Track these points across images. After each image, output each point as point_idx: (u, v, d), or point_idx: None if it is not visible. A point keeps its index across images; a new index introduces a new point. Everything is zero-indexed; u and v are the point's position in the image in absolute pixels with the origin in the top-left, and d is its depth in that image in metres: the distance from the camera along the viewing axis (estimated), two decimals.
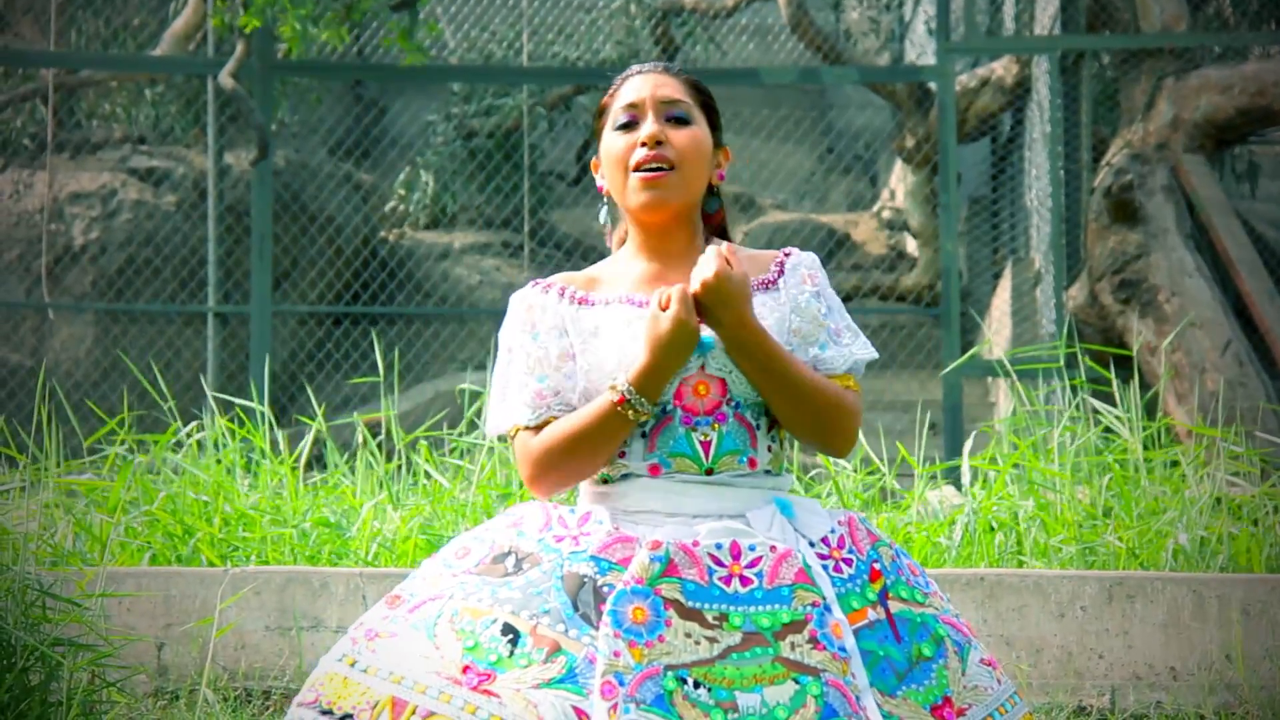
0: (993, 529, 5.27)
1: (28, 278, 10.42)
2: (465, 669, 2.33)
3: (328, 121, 12.50)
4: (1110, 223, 8.84)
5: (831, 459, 5.63)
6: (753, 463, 2.53)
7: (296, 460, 5.70)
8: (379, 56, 11.69)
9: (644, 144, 2.59)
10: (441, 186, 11.98)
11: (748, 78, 10.24)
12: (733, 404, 2.53)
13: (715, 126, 2.68)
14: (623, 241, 2.71)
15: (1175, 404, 8.25)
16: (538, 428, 2.54)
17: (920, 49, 11.90)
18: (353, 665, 2.39)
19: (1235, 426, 6.02)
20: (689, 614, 2.35)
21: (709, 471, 2.51)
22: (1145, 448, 5.70)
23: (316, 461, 7.07)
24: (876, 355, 2.65)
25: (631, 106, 2.63)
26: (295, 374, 10.19)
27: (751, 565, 2.40)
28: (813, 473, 6.54)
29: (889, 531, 5.18)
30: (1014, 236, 10.70)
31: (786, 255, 2.67)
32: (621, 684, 2.28)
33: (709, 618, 2.36)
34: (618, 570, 2.39)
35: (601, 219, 2.71)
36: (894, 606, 2.48)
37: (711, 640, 2.34)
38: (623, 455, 2.53)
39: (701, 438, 2.51)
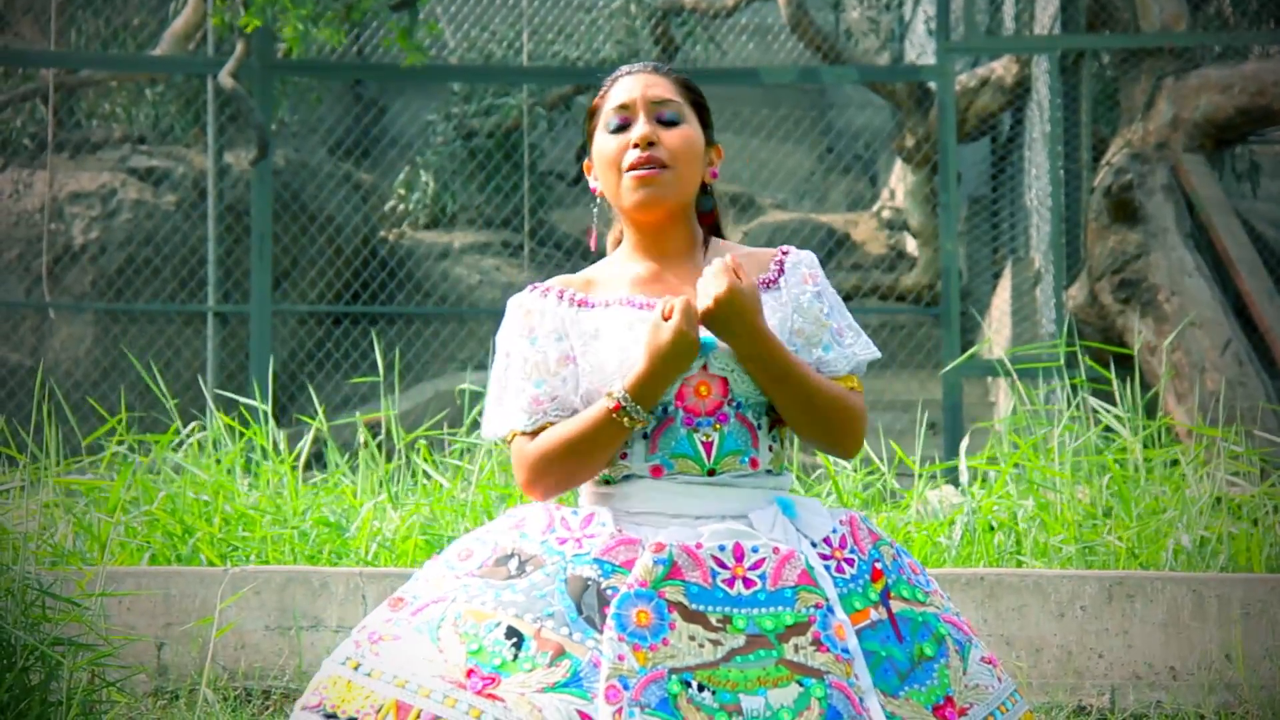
0: (992, 529, 5.27)
1: (28, 277, 10.42)
2: (469, 672, 2.33)
3: (327, 121, 12.50)
4: (1110, 222, 8.84)
5: (832, 459, 5.63)
6: (754, 463, 2.53)
7: (296, 460, 5.70)
8: (379, 56, 11.69)
9: (636, 145, 2.59)
10: (441, 186, 11.98)
11: (747, 77, 10.24)
12: (734, 404, 2.53)
13: (706, 124, 2.67)
14: (618, 243, 2.71)
15: (1175, 403, 8.25)
16: (534, 433, 2.54)
17: (920, 49, 11.90)
18: (356, 668, 2.39)
19: (1235, 426, 6.02)
20: (693, 617, 2.35)
21: (711, 472, 2.51)
22: (1145, 447, 5.70)
23: (316, 461, 7.07)
24: (879, 354, 2.65)
25: (623, 108, 2.62)
26: (295, 374, 10.19)
27: (755, 567, 2.40)
28: (815, 474, 6.54)
29: (889, 531, 5.18)
30: (1014, 236, 10.70)
31: (785, 254, 2.67)
32: (626, 688, 2.28)
33: (713, 620, 2.35)
34: (621, 573, 2.39)
35: (600, 223, 2.71)
36: (896, 606, 2.47)
37: (715, 643, 2.34)
38: (624, 456, 2.53)
39: (703, 438, 2.51)
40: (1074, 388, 6.06)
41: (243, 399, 6.23)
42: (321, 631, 4.76)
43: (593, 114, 2.67)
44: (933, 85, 10.13)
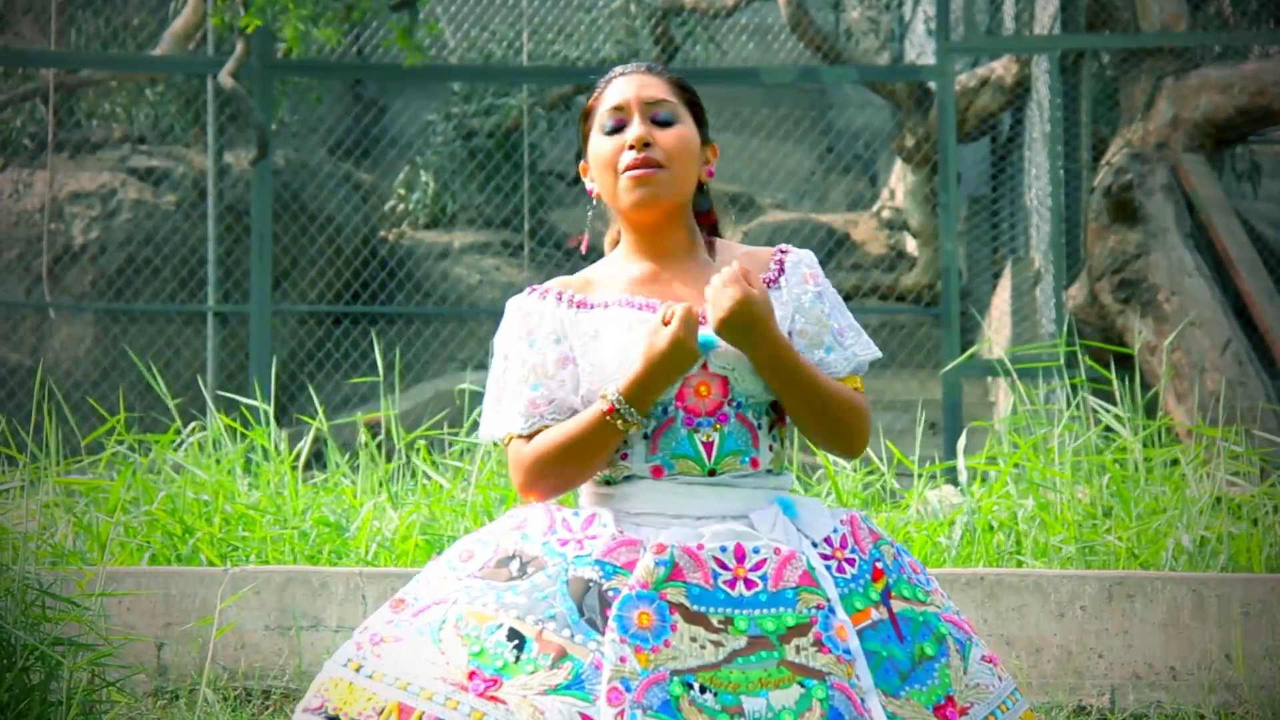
0: (992, 529, 5.27)
1: (28, 277, 10.42)
2: (471, 675, 2.33)
3: (327, 121, 12.50)
4: (1110, 222, 8.84)
5: (832, 459, 5.63)
6: (755, 463, 2.53)
7: (296, 460, 5.70)
8: (379, 56, 11.69)
9: (632, 146, 2.58)
10: (441, 186, 11.98)
11: (747, 77, 10.24)
12: (734, 404, 2.53)
13: (701, 123, 2.67)
14: (615, 243, 2.71)
15: (1175, 403, 8.25)
16: (530, 436, 2.54)
17: (920, 49, 11.90)
18: (358, 670, 2.39)
19: (1235, 426, 6.01)
20: (694, 618, 2.35)
21: (712, 472, 2.51)
22: (1145, 447, 5.70)
23: (316, 461, 7.06)
24: (880, 354, 2.65)
25: (617, 110, 2.62)
26: (295, 373, 10.19)
27: (756, 568, 2.40)
28: (816, 475, 6.54)
29: (889, 531, 5.18)
30: (1014, 236, 10.70)
31: (784, 253, 2.66)
32: (628, 690, 2.28)
33: (714, 621, 2.35)
34: (623, 574, 2.39)
35: (591, 230, 2.71)
36: (896, 606, 2.47)
37: (717, 644, 2.34)
38: (625, 457, 2.53)
39: (704, 439, 2.51)
40: (1074, 387, 6.06)
41: (245, 399, 6.22)
42: (321, 631, 4.76)
43: (587, 116, 2.67)
44: (933, 85, 10.13)
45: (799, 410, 2.53)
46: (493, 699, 2.30)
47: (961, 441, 5.97)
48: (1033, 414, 6.08)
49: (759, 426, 2.54)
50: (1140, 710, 4.61)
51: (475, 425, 5.98)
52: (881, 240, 12.24)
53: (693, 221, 2.67)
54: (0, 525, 4.34)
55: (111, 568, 4.71)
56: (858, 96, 13.02)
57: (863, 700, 2.35)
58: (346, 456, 6.07)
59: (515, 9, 12.07)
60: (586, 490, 2.58)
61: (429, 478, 5.83)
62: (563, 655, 2.33)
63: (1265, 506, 5.28)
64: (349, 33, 11.15)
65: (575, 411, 2.53)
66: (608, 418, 2.47)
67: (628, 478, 2.53)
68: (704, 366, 2.52)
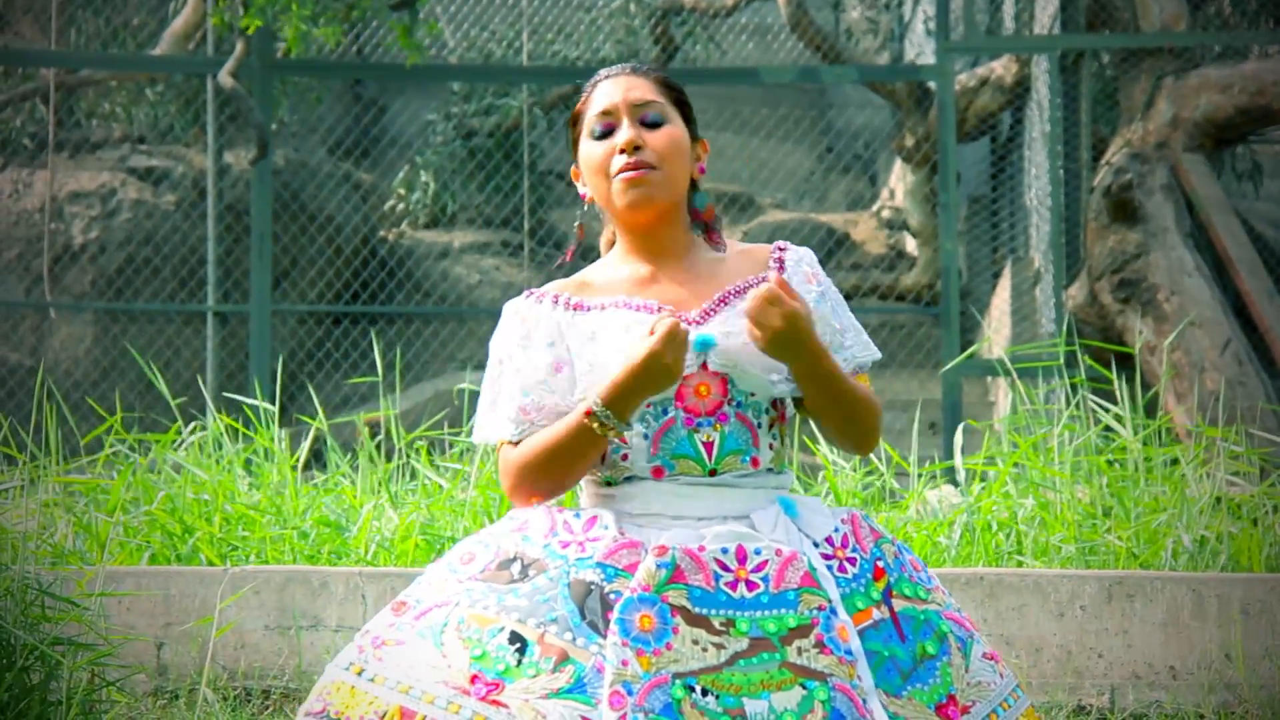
0: (992, 528, 5.27)
1: (27, 277, 10.42)
2: (473, 678, 2.32)
3: (327, 121, 12.50)
4: (1110, 222, 8.84)
5: (831, 459, 5.64)
6: (755, 462, 2.53)
7: (296, 460, 5.70)
8: (379, 56, 11.69)
9: (623, 150, 2.57)
10: (441, 186, 11.98)
11: (747, 77, 10.24)
12: (734, 403, 2.53)
13: (689, 120, 2.66)
14: (611, 244, 2.70)
15: (1175, 403, 8.25)
16: (520, 441, 2.54)
17: (920, 48, 11.90)
18: (360, 674, 2.38)
19: (1235, 426, 6.01)
20: (696, 620, 2.35)
21: (712, 472, 2.51)
22: (1145, 447, 5.70)
23: (316, 461, 7.06)
24: (879, 355, 2.65)
25: (605, 114, 2.61)
26: (295, 373, 10.19)
27: (757, 569, 2.39)
28: (819, 475, 6.54)
29: (889, 531, 5.18)
30: (1013, 236, 10.70)
31: (783, 250, 2.66)
32: (630, 693, 2.27)
33: (716, 624, 2.35)
34: (624, 577, 2.38)
35: (575, 241, 2.70)
36: (898, 605, 2.47)
37: (719, 646, 2.33)
38: (626, 458, 2.52)
39: (704, 439, 2.51)
40: (1074, 387, 6.06)
41: (247, 399, 6.22)
42: (321, 631, 4.76)
43: (575, 121, 2.66)
44: (932, 85, 10.12)
45: (828, 412, 2.53)
46: (495, 703, 2.30)
47: (958, 439, 5.96)
48: (1032, 414, 6.08)
49: (759, 425, 2.54)
50: (1140, 710, 4.61)
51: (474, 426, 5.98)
52: (881, 240, 12.24)
53: (688, 219, 2.66)
54: (0, 525, 4.34)
55: (111, 568, 4.71)
56: (857, 96, 13.02)
57: (864, 701, 2.35)
58: (347, 457, 6.07)
59: (515, 9, 12.07)
60: (588, 491, 2.58)
61: (429, 478, 5.83)
62: (564, 658, 2.32)
63: (1265, 506, 5.28)
64: (349, 32, 11.16)
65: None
66: (585, 420, 2.46)
67: (629, 479, 2.52)
68: (704, 366, 2.52)
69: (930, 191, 10.71)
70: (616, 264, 2.65)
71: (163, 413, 7.38)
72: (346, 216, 11.21)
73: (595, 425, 2.46)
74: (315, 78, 11.69)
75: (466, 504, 5.41)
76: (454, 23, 12.19)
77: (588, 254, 2.76)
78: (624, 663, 2.29)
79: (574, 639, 2.34)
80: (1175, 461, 5.76)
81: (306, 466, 6.09)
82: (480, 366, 2.69)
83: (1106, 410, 5.79)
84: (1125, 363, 7.58)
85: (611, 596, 2.37)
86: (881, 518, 5.32)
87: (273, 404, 6.06)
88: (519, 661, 2.32)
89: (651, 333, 2.44)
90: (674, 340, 2.43)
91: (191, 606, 4.76)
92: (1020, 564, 5.12)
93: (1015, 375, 6.38)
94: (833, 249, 11.85)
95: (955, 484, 6.20)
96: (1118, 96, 9.61)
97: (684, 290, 2.58)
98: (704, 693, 2.30)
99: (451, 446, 6.09)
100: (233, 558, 5.14)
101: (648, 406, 2.51)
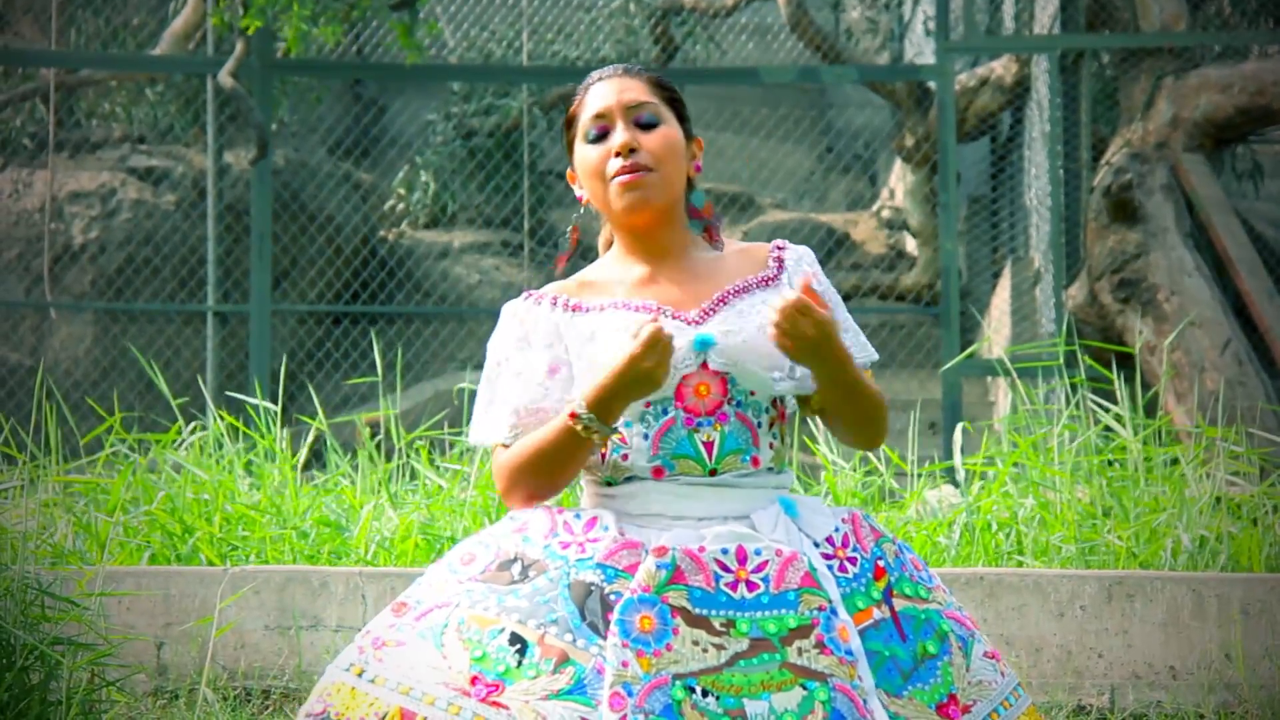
0: (992, 528, 5.27)
1: (27, 277, 10.42)
2: (474, 680, 2.32)
3: (327, 121, 12.50)
4: (1110, 222, 8.84)
5: (831, 459, 5.64)
6: (755, 461, 2.53)
7: (296, 460, 5.70)
8: (379, 56, 11.69)
9: (618, 153, 2.57)
10: (441, 186, 11.98)
11: (747, 77, 10.24)
12: (734, 403, 2.53)
13: (683, 119, 2.66)
14: (608, 244, 2.70)
15: (1175, 403, 8.25)
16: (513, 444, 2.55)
17: (919, 48, 11.90)
18: (360, 675, 2.38)
19: (1235, 426, 6.01)
20: (696, 621, 2.34)
21: (713, 472, 2.51)
22: (1145, 446, 5.70)
23: (316, 461, 7.07)
24: (876, 357, 2.66)
25: (599, 117, 2.61)
26: (295, 373, 10.19)
27: (758, 570, 2.39)
28: (820, 475, 6.54)
29: (889, 530, 5.17)
30: (1013, 236, 10.70)
31: (781, 249, 2.66)
32: (630, 694, 2.27)
33: (716, 624, 2.35)
34: (624, 577, 2.38)
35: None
36: (898, 604, 2.47)
37: (719, 647, 2.33)
38: (626, 458, 2.52)
39: (704, 438, 2.51)
40: (1073, 387, 6.06)
41: (249, 399, 6.22)
42: (321, 631, 4.76)
43: (570, 124, 2.66)
44: (932, 85, 10.12)
45: (845, 412, 2.54)
46: (495, 704, 2.30)
47: (958, 439, 5.96)
48: (1032, 413, 6.08)
49: (759, 425, 2.54)
50: (1140, 710, 4.61)
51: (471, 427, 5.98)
52: (881, 240, 12.24)
53: (685, 219, 2.66)
54: (0, 525, 4.34)
55: (111, 567, 4.71)
56: (857, 96, 13.02)
57: (865, 701, 2.35)
58: (347, 457, 6.07)
59: (515, 9, 12.07)
60: (588, 492, 2.58)
61: (429, 478, 5.83)
62: (565, 660, 2.32)
63: (1265, 506, 5.28)
64: (349, 32, 11.15)
65: None
66: (570, 424, 2.46)
67: (629, 479, 2.52)
68: (704, 365, 2.52)
69: (930, 191, 10.71)
70: (615, 264, 2.65)
71: (163, 413, 7.38)
72: (346, 216, 11.21)
73: (580, 428, 2.45)
74: (315, 78, 11.69)
75: (466, 504, 5.41)
76: (454, 23, 12.19)
77: (586, 254, 2.76)
78: (624, 664, 2.29)
79: (574, 640, 2.34)
80: (1175, 461, 5.76)
81: (306, 466, 6.09)
82: (480, 366, 2.69)
83: (1106, 410, 5.79)
84: (1125, 363, 7.58)
85: (612, 597, 2.36)
86: (881, 518, 5.32)
87: (273, 404, 6.05)
88: (519, 663, 2.32)
89: (635, 337, 2.43)
90: (655, 345, 2.42)
91: (191, 606, 4.76)
92: (1020, 564, 5.12)
93: (1015, 375, 6.38)
94: (833, 249, 11.85)
95: (955, 484, 6.20)
96: (1118, 96, 9.61)
97: (683, 290, 2.58)
98: (704, 694, 2.30)
99: (451, 446, 6.09)
100: (233, 558, 5.14)
101: (647, 406, 2.51)
